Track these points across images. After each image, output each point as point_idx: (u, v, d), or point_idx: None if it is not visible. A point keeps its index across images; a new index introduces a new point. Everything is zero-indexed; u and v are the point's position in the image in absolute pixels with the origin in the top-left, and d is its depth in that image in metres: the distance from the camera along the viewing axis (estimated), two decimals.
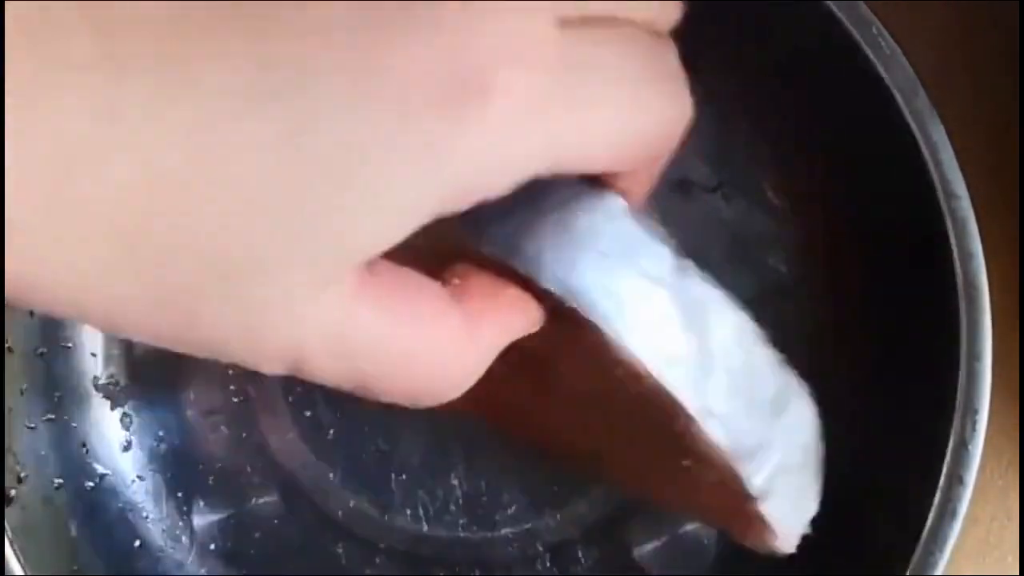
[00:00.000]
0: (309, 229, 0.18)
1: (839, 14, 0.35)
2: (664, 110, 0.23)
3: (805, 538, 0.38)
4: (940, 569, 0.34)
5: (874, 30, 0.35)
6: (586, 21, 0.21)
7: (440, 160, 0.19)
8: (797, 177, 0.39)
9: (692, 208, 0.39)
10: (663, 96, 0.23)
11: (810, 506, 0.30)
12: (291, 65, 0.18)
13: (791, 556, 0.37)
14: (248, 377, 0.38)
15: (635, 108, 0.22)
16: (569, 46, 0.20)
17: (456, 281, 0.23)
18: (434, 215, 0.20)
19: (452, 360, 0.22)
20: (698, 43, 0.38)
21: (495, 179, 0.20)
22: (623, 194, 0.24)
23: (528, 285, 0.23)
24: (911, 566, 0.34)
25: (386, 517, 0.39)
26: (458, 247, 0.23)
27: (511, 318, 0.23)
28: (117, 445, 0.39)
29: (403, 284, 0.21)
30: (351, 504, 0.39)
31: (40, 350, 0.38)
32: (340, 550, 0.39)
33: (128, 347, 0.40)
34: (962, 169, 0.35)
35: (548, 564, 0.39)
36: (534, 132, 0.20)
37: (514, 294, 0.24)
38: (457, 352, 0.22)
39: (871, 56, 0.35)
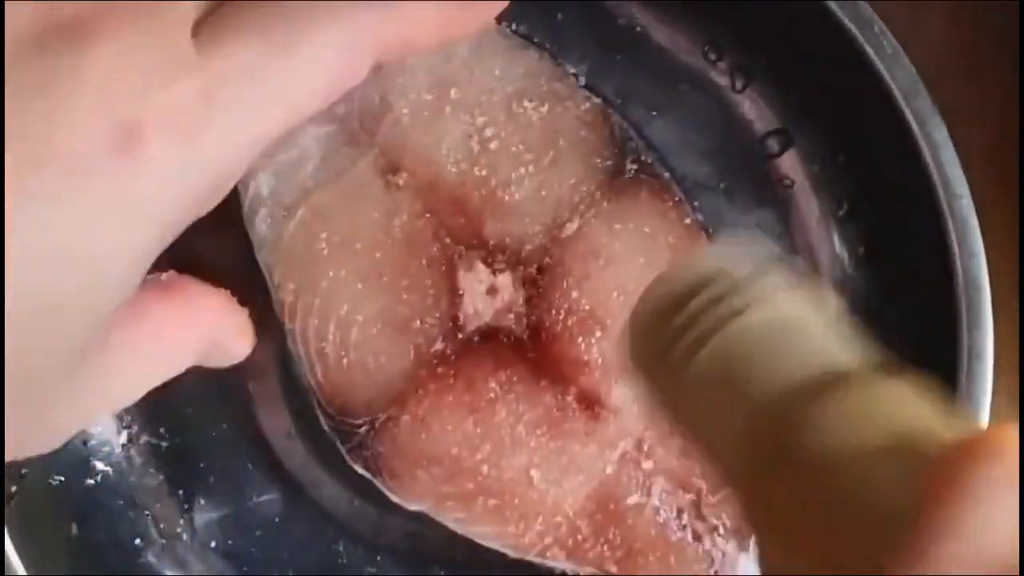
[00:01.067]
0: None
1: (840, 14, 0.35)
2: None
3: None
4: None
5: (876, 29, 0.35)
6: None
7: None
8: (799, 176, 0.39)
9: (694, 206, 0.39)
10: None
11: None
12: None
13: None
14: (249, 374, 0.38)
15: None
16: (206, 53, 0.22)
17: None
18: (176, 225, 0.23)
19: None
20: (701, 42, 0.39)
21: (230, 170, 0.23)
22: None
23: None
24: None
25: (386, 516, 0.39)
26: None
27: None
28: (117, 443, 0.39)
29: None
30: (352, 503, 0.39)
31: None
32: (341, 548, 0.39)
33: None
34: (963, 168, 0.35)
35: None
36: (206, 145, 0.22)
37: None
38: None
39: (873, 56, 0.35)
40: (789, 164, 0.39)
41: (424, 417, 0.35)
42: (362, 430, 0.35)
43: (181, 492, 0.39)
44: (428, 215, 0.35)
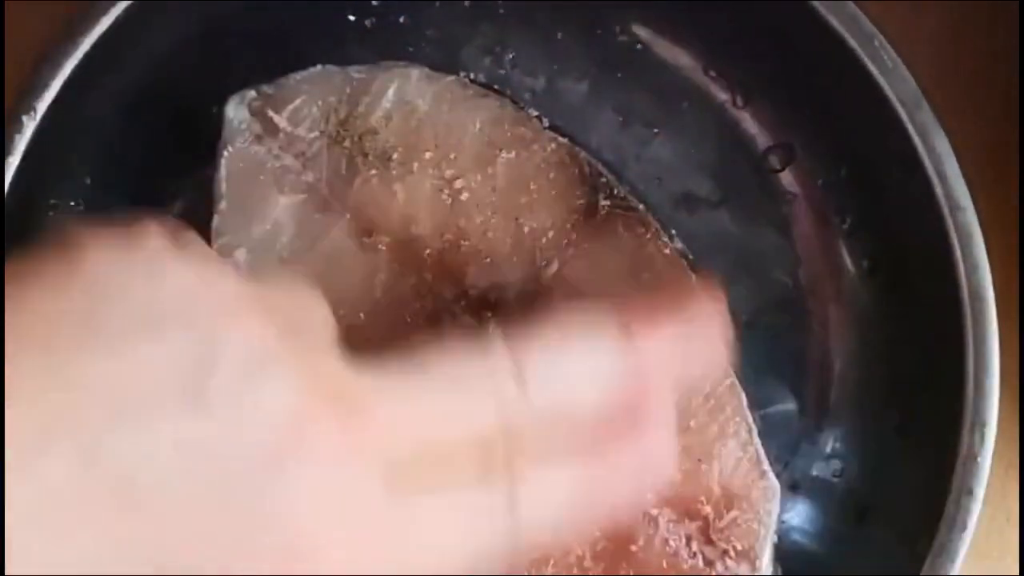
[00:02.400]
0: None
1: (840, 29, 0.35)
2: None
3: (816, 551, 0.38)
4: None
5: (876, 43, 0.35)
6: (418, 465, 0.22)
7: None
8: (801, 191, 0.39)
9: (696, 223, 0.39)
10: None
11: None
12: None
13: (804, 567, 0.37)
14: None
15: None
16: (394, 506, 0.22)
17: None
18: None
19: None
20: (702, 58, 0.39)
21: None
22: None
23: None
24: None
25: None
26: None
27: None
28: None
29: None
30: None
31: None
32: None
33: None
34: (965, 180, 0.35)
35: None
36: None
37: None
38: None
39: (873, 70, 0.35)
40: (791, 179, 0.39)
41: None
42: None
43: None
44: (407, 272, 0.35)
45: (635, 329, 0.25)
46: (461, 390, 0.23)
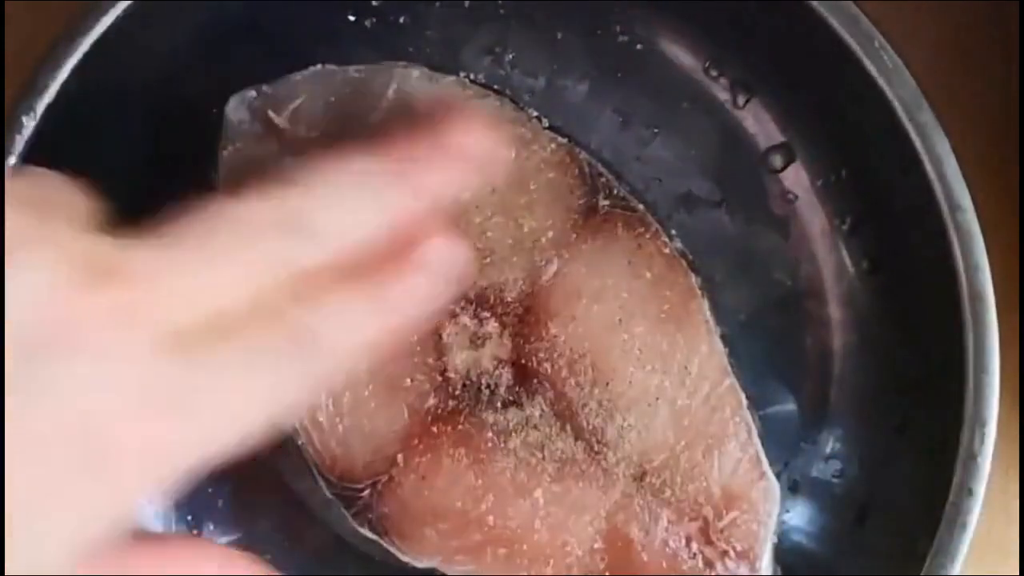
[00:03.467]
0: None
1: (840, 29, 0.35)
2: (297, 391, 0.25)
3: (816, 551, 0.38)
4: None
5: (876, 44, 0.35)
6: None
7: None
8: (801, 191, 0.39)
9: (697, 223, 0.39)
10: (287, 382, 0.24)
11: None
12: None
13: (804, 567, 0.37)
14: None
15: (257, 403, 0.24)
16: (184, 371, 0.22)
17: None
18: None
19: None
20: (702, 58, 0.39)
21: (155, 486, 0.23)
22: None
23: None
24: None
25: None
26: None
27: None
28: None
29: None
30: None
31: None
32: (351, 572, 0.39)
33: None
34: (965, 180, 0.35)
35: None
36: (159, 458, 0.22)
37: None
38: None
39: (874, 70, 0.35)
40: (792, 179, 0.39)
41: (425, 474, 0.35)
42: (365, 494, 0.36)
43: (190, 517, 0.39)
44: None
45: (408, 168, 0.26)
46: (242, 247, 0.23)
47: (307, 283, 0.24)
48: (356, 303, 0.25)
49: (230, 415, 0.23)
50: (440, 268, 0.26)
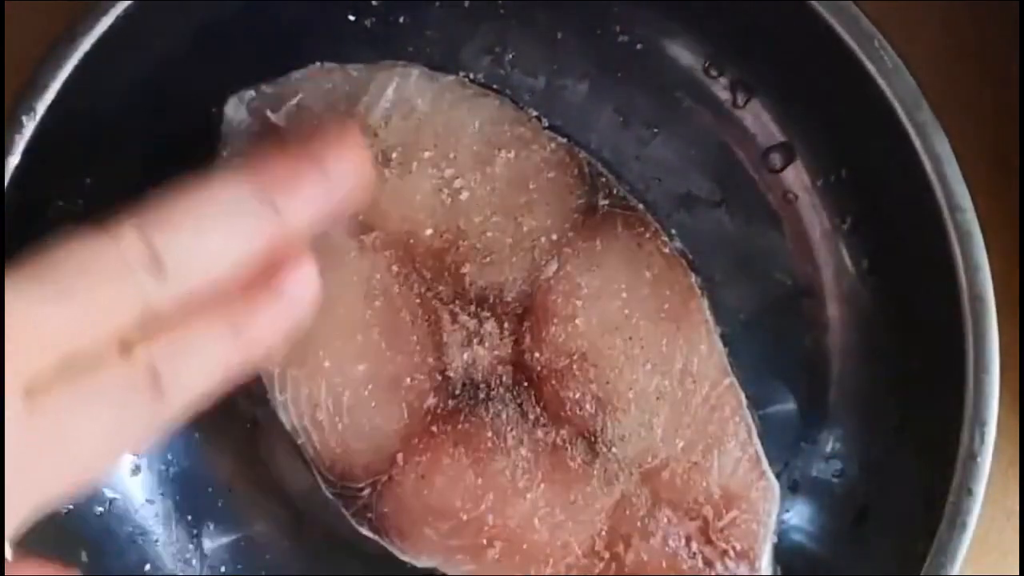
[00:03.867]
0: None
1: (840, 29, 0.35)
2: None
3: (818, 550, 0.38)
4: None
5: (876, 44, 0.35)
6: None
7: None
8: (801, 191, 0.39)
9: (696, 222, 0.39)
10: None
11: None
12: None
13: (804, 567, 0.37)
14: (255, 401, 0.38)
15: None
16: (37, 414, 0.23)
17: None
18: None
19: None
20: (702, 58, 0.39)
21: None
22: None
23: None
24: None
25: None
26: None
27: None
28: (126, 469, 0.39)
29: None
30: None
31: None
32: (352, 571, 0.39)
33: None
34: (965, 181, 0.35)
35: None
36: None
37: None
38: None
39: (873, 70, 0.35)
40: (791, 178, 0.39)
41: (425, 474, 0.35)
42: (365, 493, 0.36)
43: (190, 517, 0.39)
44: (406, 272, 0.36)
45: (272, 194, 0.26)
46: (95, 288, 0.23)
47: (160, 320, 0.24)
48: (207, 339, 0.25)
49: (70, 457, 0.23)
50: (296, 296, 0.26)
